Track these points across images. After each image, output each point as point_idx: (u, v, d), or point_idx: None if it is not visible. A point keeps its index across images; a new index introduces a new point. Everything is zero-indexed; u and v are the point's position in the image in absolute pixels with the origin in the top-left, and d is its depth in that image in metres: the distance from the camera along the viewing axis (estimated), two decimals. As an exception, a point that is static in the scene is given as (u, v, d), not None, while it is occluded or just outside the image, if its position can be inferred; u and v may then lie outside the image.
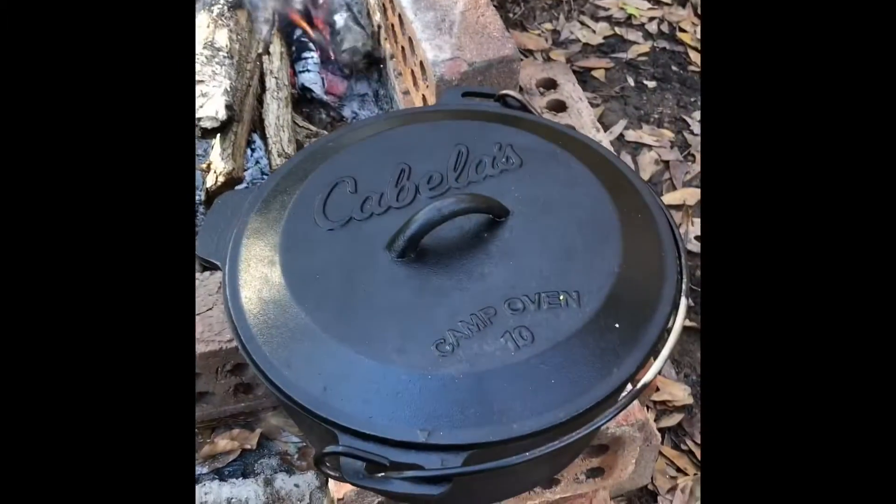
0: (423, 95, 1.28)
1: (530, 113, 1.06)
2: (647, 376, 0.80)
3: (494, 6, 1.27)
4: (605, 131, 1.91)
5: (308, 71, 1.47)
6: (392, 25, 1.38)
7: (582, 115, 1.33)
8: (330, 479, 1.05)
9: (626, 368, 0.78)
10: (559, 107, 1.37)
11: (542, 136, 0.97)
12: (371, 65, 1.54)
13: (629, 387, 0.79)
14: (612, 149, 1.59)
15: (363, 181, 0.89)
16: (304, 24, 1.51)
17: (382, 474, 0.73)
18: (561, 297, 0.80)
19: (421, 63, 1.24)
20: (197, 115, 1.13)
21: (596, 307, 0.78)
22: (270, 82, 1.34)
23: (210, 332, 1.09)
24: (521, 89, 1.32)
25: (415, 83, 1.33)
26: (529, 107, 1.06)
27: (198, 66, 1.18)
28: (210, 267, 0.93)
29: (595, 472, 1.08)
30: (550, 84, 1.40)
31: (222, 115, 1.15)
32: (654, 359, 0.82)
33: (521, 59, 1.20)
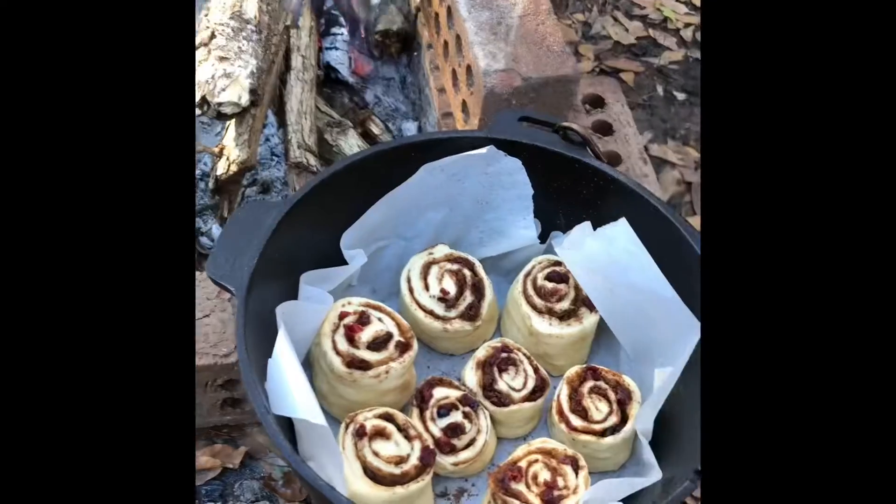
0: (464, 101, 1.17)
1: (592, 150, 0.96)
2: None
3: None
4: (630, 143, 1.81)
5: (336, 48, 1.35)
6: (437, 15, 1.26)
7: (629, 143, 1.23)
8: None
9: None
10: (605, 129, 1.26)
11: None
12: (403, 49, 1.42)
13: None
14: (650, 163, 1.49)
15: None
16: (338, -4, 1.38)
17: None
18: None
19: (468, 67, 1.13)
20: (218, 99, 1.00)
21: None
22: (296, 61, 1.22)
23: (205, 343, 0.98)
24: (566, 104, 1.21)
25: (454, 84, 1.21)
26: (592, 145, 0.95)
27: (223, 41, 1.05)
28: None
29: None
30: (598, 102, 1.30)
31: (245, 100, 1.02)
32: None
33: (580, 80, 1.09)
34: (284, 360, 0.77)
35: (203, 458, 1.06)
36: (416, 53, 1.40)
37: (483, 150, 0.93)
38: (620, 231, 0.88)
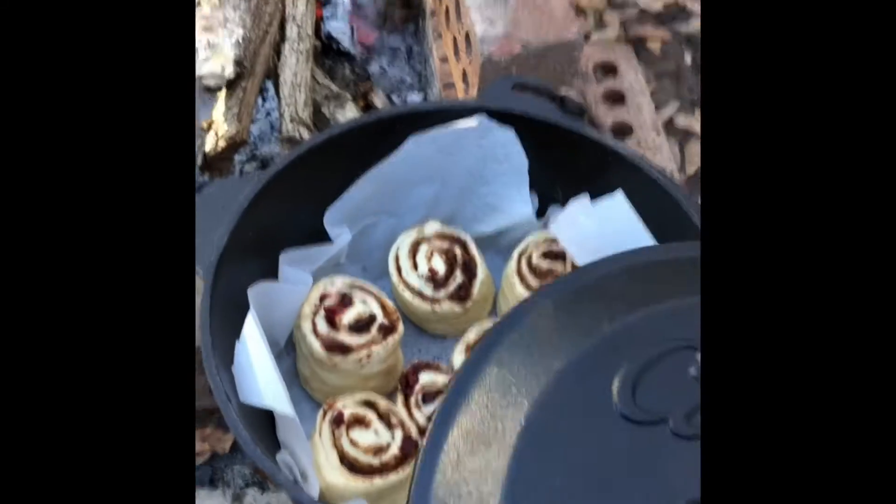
0: (464, 70, 1.11)
1: (590, 120, 0.90)
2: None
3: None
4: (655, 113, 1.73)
5: (336, 18, 1.30)
6: (438, -20, 1.20)
7: (642, 112, 1.16)
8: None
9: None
10: (617, 98, 1.20)
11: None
12: (408, 17, 1.36)
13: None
14: (664, 133, 1.42)
15: None
16: (339, -37, 1.32)
17: None
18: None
19: (467, 34, 1.07)
20: (200, 72, 0.96)
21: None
22: (291, 30, 1.17)
23: (189, 325, 0.95)
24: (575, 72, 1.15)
25: (455, 52, 1.16)
26: (590, 114, 0.89)
27: (207, 10, 1.01)
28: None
29: None
30: (610, 69, 1.23)
31: (230, 72, 0.98)
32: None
33: (584, 45, 1.03)
34: (252, 345, 0.73)
35: (192, 443, 1.03)
36: (421, 21, 1.34)
37: (474, 121, 0.88)
38: (617, 205, 0.82)
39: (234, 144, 1.06)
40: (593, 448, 0.47)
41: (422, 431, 0.82)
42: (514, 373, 0.51)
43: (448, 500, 0.46)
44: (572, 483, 0.46)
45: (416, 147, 0.88)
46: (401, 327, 0.85)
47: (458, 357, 0.87)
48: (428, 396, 0.83)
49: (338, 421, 0.79)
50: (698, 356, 0.49)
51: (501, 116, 0.88)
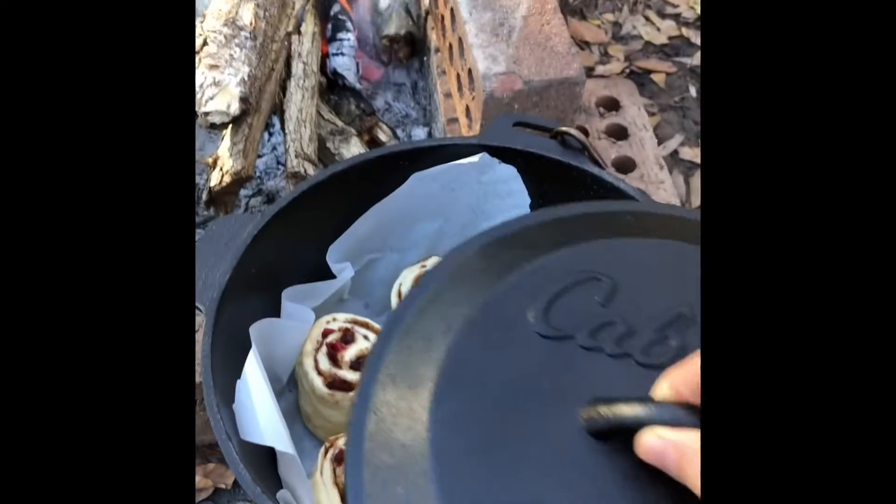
0: (467, 106, 1.12)
1: (591, 156, 0.90)
2: None
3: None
4: (660, 145, 1.74)
5: (342, 54, 1.31)
6: (442, 17, 1.22)
7: (645, 147, 1.17)
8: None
9: None
10: (619, 133, 1.20)
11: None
12: (413, 53, 1.38)
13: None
14: (666, 168, 1.43)
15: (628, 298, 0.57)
16: (345, 1, 1.34)
17: None
18: None
19: (469, 71, 1.08)
20: (206, 108, 0.98)
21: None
22: (297, 67, 1.18)
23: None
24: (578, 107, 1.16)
25: (459, 88, 1.17)
26: (591, 151, 0.90)
27: (214, 48, 1.02)
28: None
29: None
30: (613, 104, 1.24)
31: (235, 109, 0.99)
32: None
33: (586, 81, 1.04)
34: (253, 383, 0.73)
35: (195, 478, 1.03)
36: (425, 58, 1.36)
37: (475, 158, 0.88)
38: (617, 243, 0.82)
39: (239, 180, 1.07)
40: (511, 361, 0.54)
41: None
42: (445, 302, 0.57)
43: (383, 409, 0.51)
44: (493, 389, 0.52)
45: (418, 184, 0.89)
46: (403, 364, 0.85)
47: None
48: (429, 433, 0.83)
49: (339, 459, 0.78)
50: (603, 283, 0.57)
51: (503, 153, 0.89)
